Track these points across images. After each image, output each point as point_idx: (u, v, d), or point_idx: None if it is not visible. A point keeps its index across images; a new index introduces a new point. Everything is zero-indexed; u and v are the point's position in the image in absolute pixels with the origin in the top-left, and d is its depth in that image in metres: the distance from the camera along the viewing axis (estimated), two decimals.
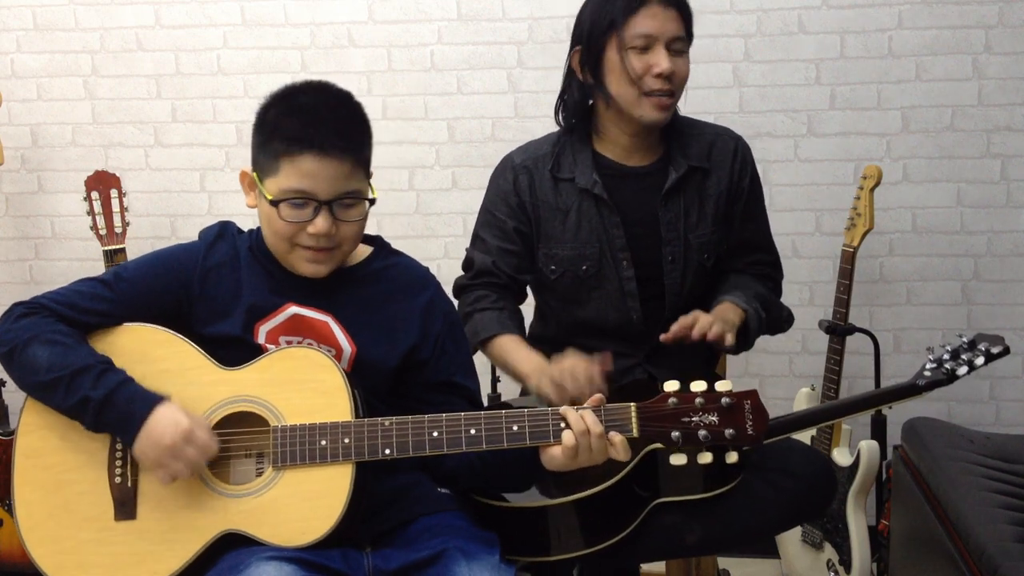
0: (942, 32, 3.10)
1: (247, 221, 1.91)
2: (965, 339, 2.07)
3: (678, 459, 1.65)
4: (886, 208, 3.14)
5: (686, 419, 1.64)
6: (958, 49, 3.10)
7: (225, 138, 3.38)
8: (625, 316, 2.23)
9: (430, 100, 3.32)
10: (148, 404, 1.65)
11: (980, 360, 2.04)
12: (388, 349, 1.81)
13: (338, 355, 1.77)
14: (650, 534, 1.93)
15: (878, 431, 2.80)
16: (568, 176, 2.23)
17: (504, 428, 1.67)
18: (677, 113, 2.27)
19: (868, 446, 2.72)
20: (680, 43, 2.14)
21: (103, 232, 3.06)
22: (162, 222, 3.45)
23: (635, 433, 1.66)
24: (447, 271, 3.11)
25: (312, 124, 1.71)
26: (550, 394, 1.93)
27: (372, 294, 1.85)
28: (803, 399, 2.98)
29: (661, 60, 2.11)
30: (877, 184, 2.85)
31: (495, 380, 2.89)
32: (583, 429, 1.64)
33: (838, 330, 2.86)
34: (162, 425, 1.63)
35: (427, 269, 1.94)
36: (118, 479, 1.69)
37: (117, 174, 3.11)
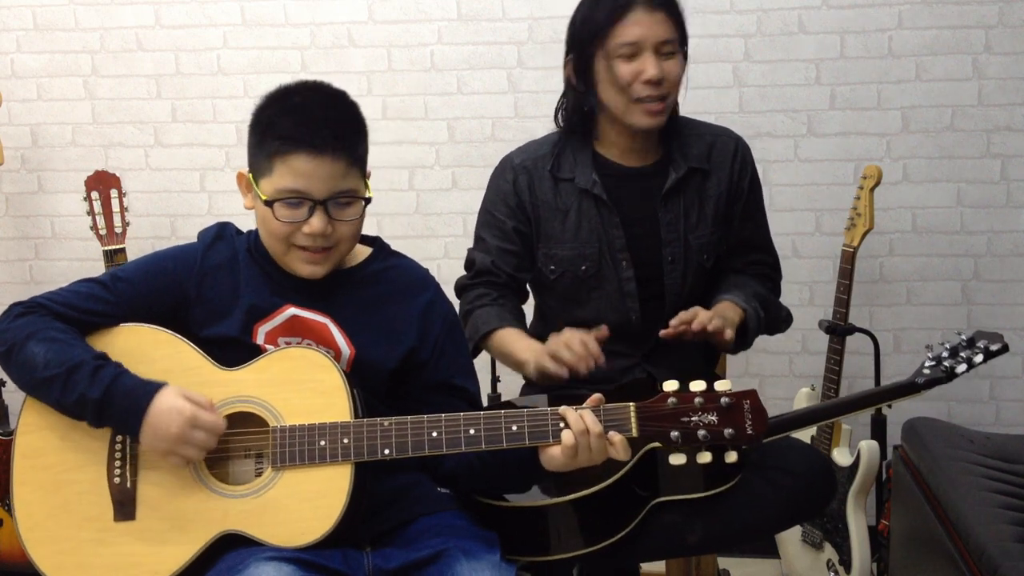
0: (942, 32, 3.10)
1: (247, 221, 1.91)
2: (964, 337, 2.07)
3: (677, 459, 1.65)
4: (886, 208, 3.14)
5: (685, 419, 1.64)
6: (958, 49, 3.09)
7: (225, 138, 3.38)
8: (624, 316, 2.23)
9: (430, 100, 3.31)
10: (147, 394, 1.65)
11: (979, 358, 2.04)
12: (387, 351, 1.81)
13: (337, 357, 1.76)
14: (650, 533, 1.93)
15: (878, 431, 2.80)
16: (568, 176, 2.23)
17: (503, 428, 1.67)
18: (676, 113, 2.26)
19: (868, 446, 2.72)
20: (669, 45, 2.12)
21: (103, 232, 3.06)
22: (162, 222, 3.45)
23: (634, 433, 1.66)
24: (447, 271, 3.12)
25: (305, 123, 1.71)
26: (548, 366, 1.94)
27: (371, 296, 1.85)
28: (803, 399, 2.98)
29: (648, 67, 2.10)
30: (877, 184, 2.85)
31: (495, 380, 2.89)
32: (582, 429, 1.64)
33: (838, 330, 2.86)
34: (166, 415, 1.63)
35: (426, 271, 1.94)
36: (117, 479, 1.69)
37: (117, 174, 3.11)
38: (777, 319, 2.33)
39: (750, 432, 1.64)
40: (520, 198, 2.24)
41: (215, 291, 1.81)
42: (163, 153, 3.43)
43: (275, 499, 1.66)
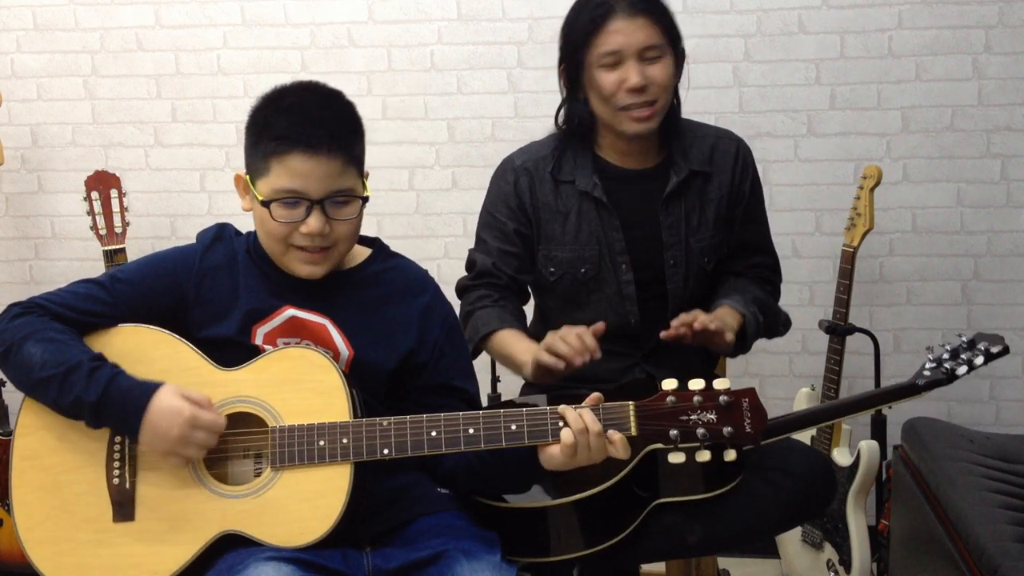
0: (942, 32, 3.10)
1: (247, 222, 1.91)
2: (965, 338, 2.07)
3: (676, 457, 1.65)
4: (886, 208, 3.14)
5: (684, 417, 1.64)
6: (958, 49, 3.09)
7: (225, 138, 3.38)
8: (623, 319, 2.23)
9: (430, 100, 3.31)
10: (145, 395, 1.65)
11: (980, 360, 2.03)
12: (385, 352, 1.81)
13: (335, 358, 1.76)
14: (650, 535, 1.93)
15: (878, 431, 2.80)
16: (569, 178, 2.23)
17: (502, 427, 1.66)
18: (676, 115, 2.25)
19: (868, 446, 2.72)
20: (654, 50, 2.10)
21: (103, 232, 3.06)
22: (162, 222, 3.45)
23: (633, 431, 1.66)
24: (447, 271, 3.12)
25: (300, 123, 1.71)
26: (545, 360, 1.95)
27: (370, 297, 1.84)
28: (803, 399, 2.98)
29: (631, 74, 2.09)
30: (877, 184, 2.85)
31: (495, 380, 2.89)
32: (582, 427, 1.64)
33: (838, 330, 2.86)
34: (165, 416, 1.63)
35: (426, 272, 1.94)
36: (116, 480, 1.69)
37: (117, 174, 3.11)
38: (776, 323, 2.33)
39: (749, 430, 1.64)
40: (521, 199, 2.24)
41: (214, 292, 1.81)
42: (163, 153, 3.43)
43: (274, 499, 1.65)
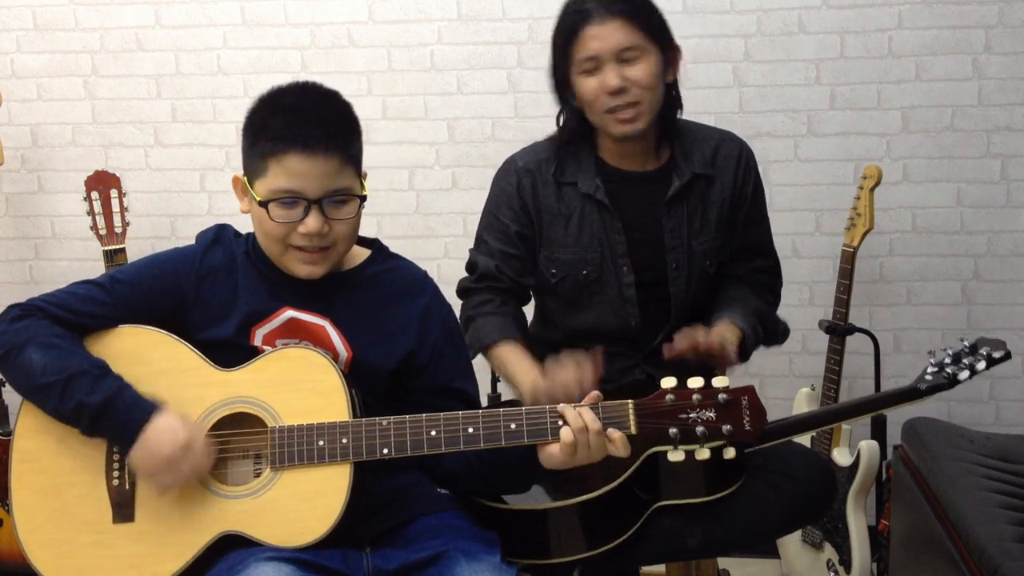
0: (942, 32, 3.09)
1: (246, 222, 1.91)
2: (967, 343, 2.07)
3: (676, 456, 1.65)
4: (886, 208, 3.14)
5: (683, 415, 1.64)
6: (958, 49, 3.09)
7: (225, 138, 3.38)
8: (624, 322, 2.23)
9: (430, 100, 3.31)
10: (146, 412, 1.65)
11: (981, 364, 2.03)
12: (384, 353, 1.81)
13: (334, 359, 1.76)
14: (651, 537, 1.93)
15: (878, 431, 2.80)
16: (571, 180, 2.22)
17: (502, 426, 1.66)
18: (673, 115, 2.24)
19: (868, 446, 2.72)
20: (632, 50, 2.09)
21: (103, 232, 3.06)
22: (162, 222, 3.45)
23: (633, 430, 1.66)
24: (447, 271, 3.12)
25: (297, 123, 1.71)
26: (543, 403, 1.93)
27: (369, 298, 1.84)
28: (803, 399, 2.98)
29: (608, 77, 2.09)
30: (877, 184, 2.85)
31: (495, 380, 2.89)
32: (581, 426, 1.64)
33: (838, 330, 2.86)
34: (160, 435, 1.63)
35: (425, 272, 1.93)
36: (115, 482, 1.69)
37: (117, 174, 3.11)
38: (775, 333, 2.34)
39: (748, 428, 1.64)
40: (523, 201, 2.24)
41: (213, 294, 1.81)
42: (163, 153, 3.43)
43: (274, 499, 1.65)
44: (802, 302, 3.22)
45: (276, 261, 1.80)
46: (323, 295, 1.81)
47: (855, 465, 2.74)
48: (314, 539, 1.63)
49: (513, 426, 1.66)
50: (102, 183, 3.07)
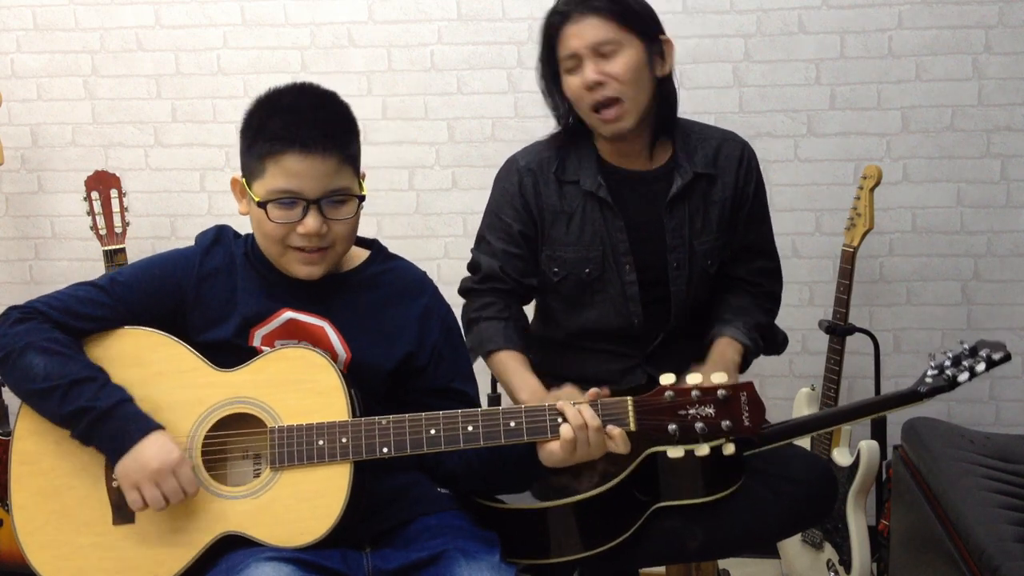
0: (942, 32, 3.09)
1: (247, 223, 1.91)
2: (967, 345, 2.07)
3: (675, 452, 1.65)
4: (886, 208, 3.14)
5: (682, 412, 1.64)
6: (958, 49, 3.09)
7: (225, 138, 3.38)
8: (626, 320, 2.23)
9: (430, 100, 3.31)
10: (144, 428, 1.65)
11: (981, 367, 2.03)
12: (383, 354, 1.81)
13: (333, 360, 1.76)
14: (651, 538, 1.93)
15: (878, 431, 2.80)
16: (573, 178, 2.22)
17: (502, 424, 1.67)
18: (668, 112, 2.23)
19: (868, 446, 2.72)
20: (609, 44, 2.10)
21: (103, 232, 3.06)
22: (162, 222, 3.45)
23: (632, 426, 1.66)
24: (447, 271, 3.12)
25: (294, 123, 1.71)
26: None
27: (368, 300, 1.84)
28: (803, 399, 2.98)
29: (586, 72, 2.10)
30: (877, 184, 2.85)
31: (495, 380, 2.89)
32: (581, 423, 1.64)
33: (838, 330, 2.86)
34: (153, 450, 1.63)
35: (424, 273, 1.93)
36: (115, 483, 1.69)
37: (117, 174, 3.11)
38: (774, 343, 2.36)
39: (747, 424, 1.64)
40: (525, 200, 2.24)
41: (212, 295, 1.81)
42: (163, 153, 3.43)
43: (274, 500, 1.65)
44: (802, 302, 3.22)
45: (275, 262, 1.80)
46: (322, 296, 1.81)
47: (855, 465, 2.73)
48: (314, 539, 1.63)
49: (512, 424, 1.66)
50: (102, 183, 3.07)
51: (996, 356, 2.04)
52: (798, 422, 2.17)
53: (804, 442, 2.82)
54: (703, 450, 1.64)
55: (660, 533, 1.94)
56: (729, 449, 1.65)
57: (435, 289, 1.91)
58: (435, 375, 1.85)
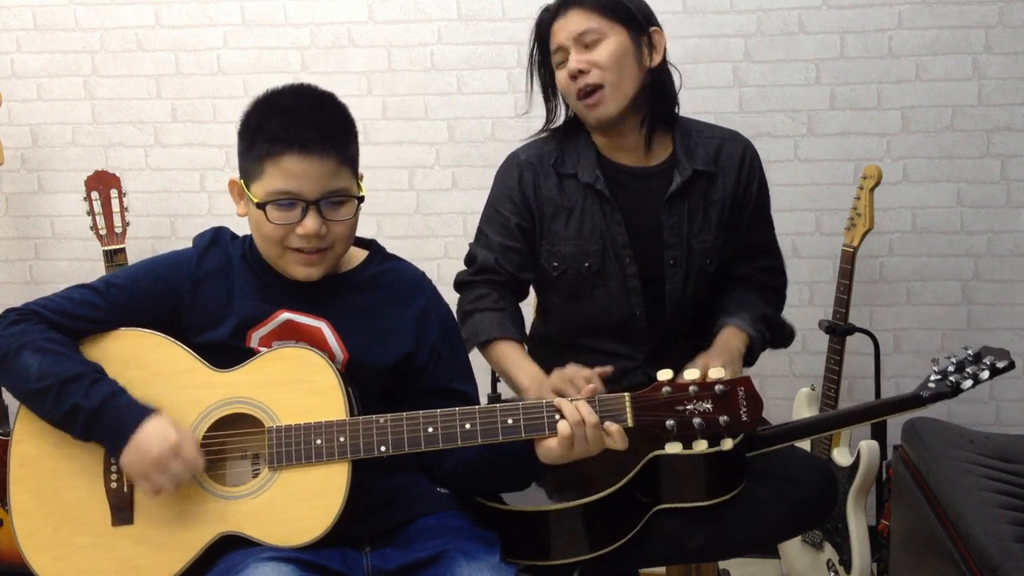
0: (942, 32, 3.09)
1: (246, 224, 1.91)
2: (971, 352, 2.07)
3: (673, 447, 1.65)
4: (886, 208, 3.14)
5: (680, 407, 1.64)
6: (958, 49, 3.09)
7: (225, 138, 3.38)
8: (628, 312, 2.22)
9: (430, 100, 3.31)
10: (139, 415, 1.65)
11: (985, 374, 2.03)
12: (381, 354, 1.81)
13: (330, 360, 1.76)
14: (652, 540, 1.93)
15: (878, 431, 2.80)
16: (571, 172, 2.23)
17: (499, 421, 1.66)
18: (665, 106, 2.23)
19: (868, 446, 2.72)
20: (591, 34, 2.13)
21: (103, 232, 3.06)
22: (162, 222, 3.45)
23: (630, 422, 1.65)
24: (447, 271, 3.10)
25: (293, 124, 1.71)
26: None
27: (366, 301, 1.84)
28: (803, 399, 2.98)
29: (570, 62, 2.14)
30: (877, 184, 2.85)
31: (495, 380, 2.89)
32: (578, 419, 1.64)
33: (838, 330, 2.86)
34: (151, 437, 1.62)
35: (423, 273, 1.93)
36: (114, 484, 1.69)
37: (117, 174, 3.11)
38: (781, 336, 2.35)
39: (745, 419, 1.63)
40: (525, 194, 2.24)
41: (209, 297, 1.80)
42: (163, 153, 3.43)
43: (272, 499, 1.65)
44: (802, 302, 3.22)
45: (274, 263, 1.80)
46: (319, 297, 1.81)
47: (855, 465, 2.73)
48: (313, 538, 1.62)
49: (510, 421, 1.66)
50: (102, 183, 3.07)
51: (1000, 364, 2.04)
52: (800, 425, 2.17)
53: (804, 443, 2.82)
54: (701, 445, 1.64)
55: (661, 534, 1.94)
56: (727, 445, 1.65)
57: (434, 290, 1.91)
58: (434, 375, 1.85)
